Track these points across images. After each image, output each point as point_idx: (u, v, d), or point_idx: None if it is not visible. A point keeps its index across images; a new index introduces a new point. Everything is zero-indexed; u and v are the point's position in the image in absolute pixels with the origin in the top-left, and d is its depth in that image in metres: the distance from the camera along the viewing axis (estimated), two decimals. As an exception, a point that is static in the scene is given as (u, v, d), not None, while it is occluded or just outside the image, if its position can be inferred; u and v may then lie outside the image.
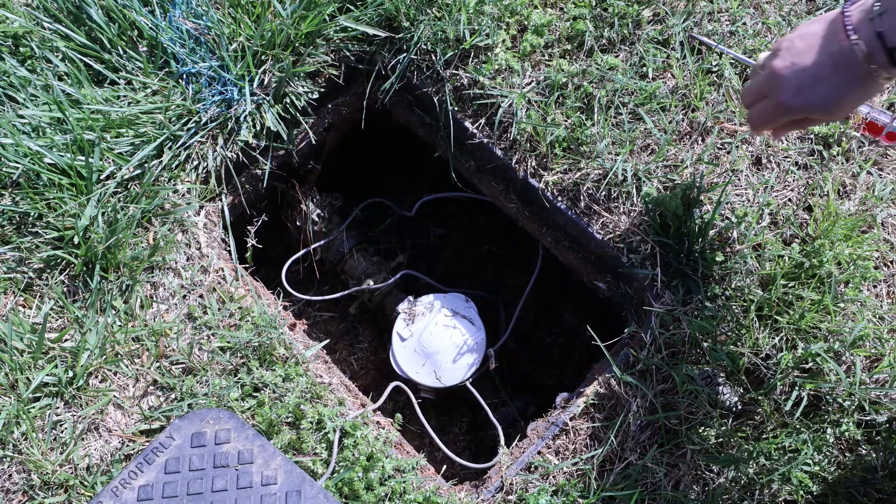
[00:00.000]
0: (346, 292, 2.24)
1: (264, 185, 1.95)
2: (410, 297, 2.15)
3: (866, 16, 1.17)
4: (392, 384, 1.85)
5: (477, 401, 2.00)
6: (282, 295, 1.91)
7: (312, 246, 2.23)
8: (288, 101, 1.89)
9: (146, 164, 1.77)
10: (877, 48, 1.16)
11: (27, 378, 1.59)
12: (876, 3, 1.16)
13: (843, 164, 1.73)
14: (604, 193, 1.74)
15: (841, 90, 1.23)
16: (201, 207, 1.83)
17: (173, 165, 1.80)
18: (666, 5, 1.87)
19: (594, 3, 1.87)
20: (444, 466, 1.71)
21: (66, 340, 1.64)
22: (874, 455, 1.56)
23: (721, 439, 1.59)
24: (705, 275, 1.65)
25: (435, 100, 1.88)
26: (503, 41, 1.85)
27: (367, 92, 1.94)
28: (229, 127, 1.83)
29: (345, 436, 1.60)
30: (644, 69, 1.82)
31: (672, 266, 1.67)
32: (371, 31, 1.88)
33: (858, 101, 1.24)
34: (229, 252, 1.85)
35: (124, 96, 1.82)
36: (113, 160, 1.75)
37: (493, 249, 2.55)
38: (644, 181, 1.72)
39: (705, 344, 1.62)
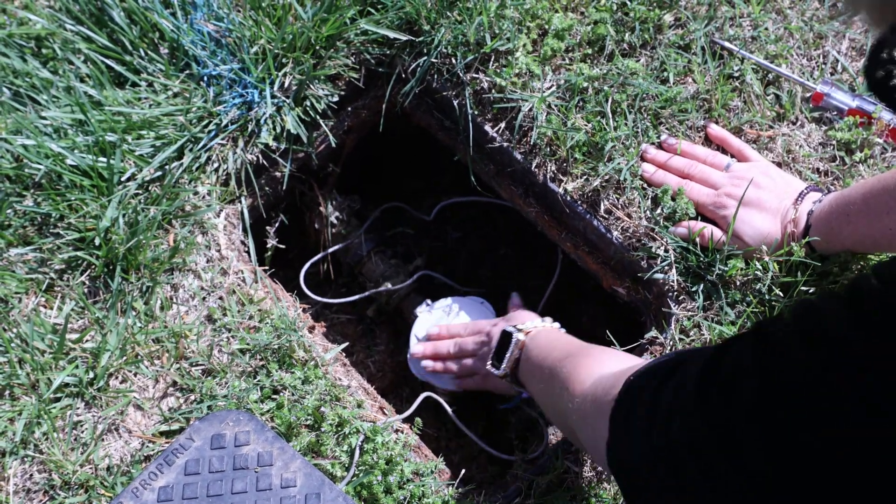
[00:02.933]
0: (365, 294, 2.24)
1: (284, 187, 1.95)
2: (428, 301, 2.15)
3: (815, 198, 1.58)
4: (423, 395, 1.86)
5: (494, 404, 2.00)
6: (298, 298, 1.92)
7: (331, 249, 2.24)
8: (308, 103, 1.89)
9: (167, 166, 1.78)
10: (802, 222, 1.57)
11: (48, 378, 1.60)
12: (822, 196, 1.56)
13: (865, 170, 1.73)
14: (623, 198, 1.74)
15: (768, 230, 1.62)
16: (221, 209, 1.83)
17: (194, 167, 1.81)
18: (687, 10, 1.87)
19: (615, 8, 1.87)
20: (463, 471, 1.71)
21: (86, 341, 1.65)
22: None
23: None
24: (726, 280, 1.64)
25: (455, 103, 1.89)
26: (524, 45, 1.85)
27: (386, 95, 1.94)
28: (250, 129, 1.84)
29: (365, 440, 1.60)
30: (665, 74, 1.82)
31: (692, 271, 1.67)
32: (391, 34, 1.88)
33: (767, 242, 1.61)
34: (249, 254, 1.85)
35: (145, 98, 1.82)
36: (134, 162, 1.76)
37: (512, 253, 2.55)
38: (656, 189, 1.72)
39: (725, 350, 1.61)
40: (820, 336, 0.76)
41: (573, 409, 1.27)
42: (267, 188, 1.96)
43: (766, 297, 1.61)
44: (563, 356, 1.44)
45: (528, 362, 1.64)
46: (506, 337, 1.73)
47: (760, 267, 1.61)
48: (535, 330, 1.71)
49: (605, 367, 1.27)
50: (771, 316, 0.97)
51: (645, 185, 1.73)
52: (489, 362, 1.77)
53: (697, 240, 1.65)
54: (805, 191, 1.59)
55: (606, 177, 1.75)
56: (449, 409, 1.87)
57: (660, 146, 1.78)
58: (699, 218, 1.69)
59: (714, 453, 0.83)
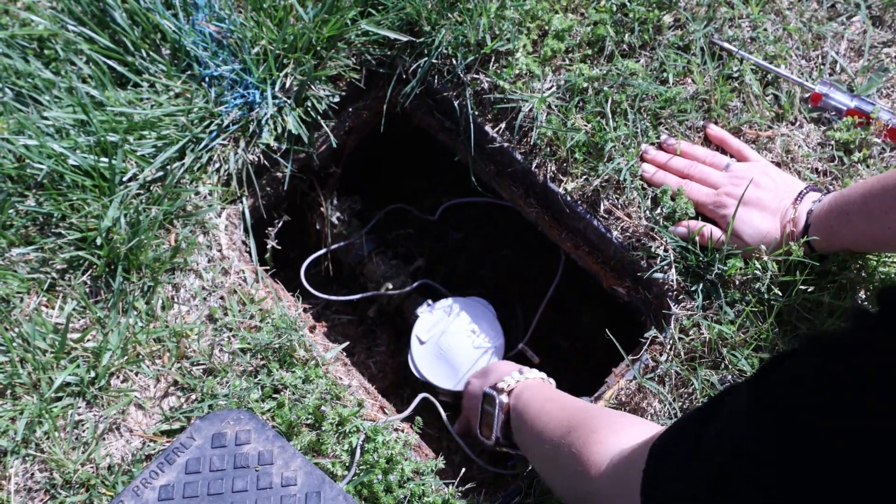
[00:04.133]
0: (366, 294, 2.25)
1: (285, 187, 1.96)
2: (429, 301, 2.16)
3: (815, 198, 1.57)
4: (420, 395, 1.86)
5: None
6: (300, 298, 1.92)
7: (332, 247, 2.24)
8: (309, 104, 1.90)
9: (168, 167, 1.79)
10: (801, 221, 1.57)
11: (49, 378, 1.61)
12: (822, 195, 1.56)
13: (863, 170, 1.73)
14: (623, 198, 1.74)
15: (767, 229, 1.61)
16: (222, 209, 1.84)
17: (195, 168, 1.81)
18: (687, 11, 1.87)
19: (615, 9, 1.88)
20: (463, 469, 1.71)
21: (88, 341, 1.66)
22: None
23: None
24: (725, 280, 1.65)
25: (455, 104, 1.89)
26: (524, 46, 1.86)
27: (387, 96, 1.94)
28: (251, 130, 1.84)
29: (366, 440, 1.61)
30: (665, 74, 1.82)
31: (692, 271, 1.67)
32: (392, 35, 1.89)
33: (766, 241, 1.61)
34: (250, 254, 1.86)
35: (147, 99, 1.83)
36: (135, 162, 1.77)
37: (513, 254, 2.56)
38: (655, 189, 1.72)
39: (725, 349, 1.61)
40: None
41: (593, 492, 1.24)
42: (268, 188, 1.96)
43: (766, 296, 1.61)
44: (564, 430, 1.38)
45: (521, 431, 1.61)
46: (488, 400, 1.72)
47: (759, 266, 1.61)
48: (519, 385, 1.70)
49: (618, 441, 1.24)
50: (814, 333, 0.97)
51: (644, 185, 1.74)
52: (476, 430, 1.78)
53: (697, 239, 1.65)
54: (804, 190, 1.59)
55: (606, 177, 1.75)
56: (444, 414, 1.87)
57: (659, 147, 1.78)
58: (699, 218, 1.70)
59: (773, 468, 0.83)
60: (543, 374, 1.77)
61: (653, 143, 1.78)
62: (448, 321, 2.14)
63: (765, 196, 1.61)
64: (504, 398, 1.67)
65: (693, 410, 1.07)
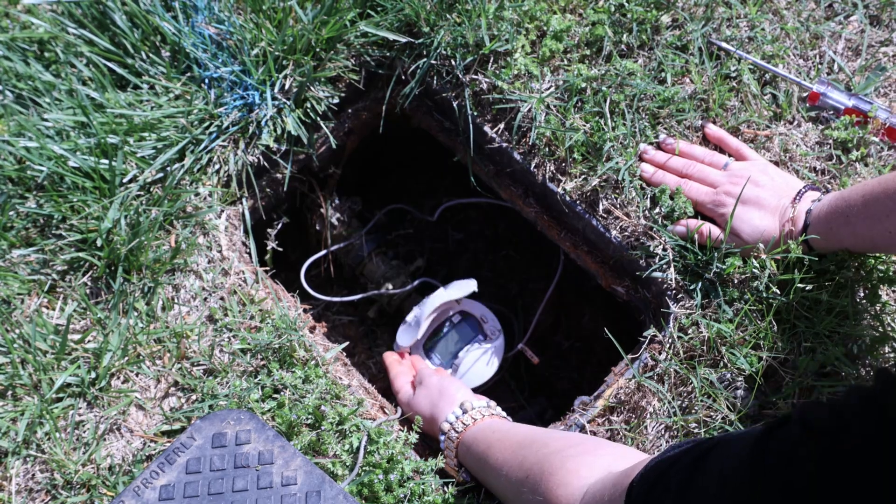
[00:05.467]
0: (366, 294, 2.25)
1: (284, 188, 1.96)
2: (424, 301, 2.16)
3: (814, 197, 1.58)
4: None
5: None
6: (299, 299, 1.93)
7: (332, 248, 2.25)
8: (308, 105, 1.90)
9: (168, 168, 1.79)
10: (800, 219, 1.57)
11: (50, 378, 1.61)
12: (821, 194, 1.57)
13: (861, 169, 1.73)
14: (622, 198, 1.75)
15: (765, 227, 1.61)
16: (222, 210, 1.84)
17: (195, 169, 1.82)
18: (684, 11, 1.88)
19: (613, 9, 1.88)
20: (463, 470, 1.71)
21: (88, 341, 1.66)
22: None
23: (739, 443, 1.59)
24: (724, 279, 1.65)
25: (454, 104, 1.90)
26: (522, 46, 1.86)
27: (386, 97, 1.95)
28: (250, 131, 1.85)
29: (369, 441, 1.61)
30: (663, 74, 1.83)
31: (690, 270, 1.68)
32: (391, 36, 1.89)
33: (764, 241, 1.61)
34: (250, 255, 1.86)
35: (147, 100, 1.84)
36: (136, 163, 1.77)
37: (512, 254, 2.56)
38: (654, 188, 1.72)
39: (724, 348, 1.62)
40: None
41: None
42: (268, 189, 1.97)
43: (764, 294, 1.61)
44: (522, 475, 1.35)
45: (476, 471, 1.58)
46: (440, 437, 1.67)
47: (758, 265, 1.62)
48: (461, 425, 1.63)
49: (581, 481, 1.21)
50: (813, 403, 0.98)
51: (643, 185, 1.74)
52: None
53: (696, 238, 1.66)
54: (803, 189, 1.59)
55: (605, 177, 1.75)
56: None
57: (658, 146, 1.78)
58: (698, 217, 1.70)
59: None
60: (485, 402, 1.70)
61: (651, 143, 1.78)
62: (448, 323, 2.15)
63: (763, 195, 1.61)
64: (449, 441, 1.64)
65: (669, 455, 1.07)
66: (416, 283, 2.28)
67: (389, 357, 2.07)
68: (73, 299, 1.70)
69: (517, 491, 1.35)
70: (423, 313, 2.06)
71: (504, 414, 1.69)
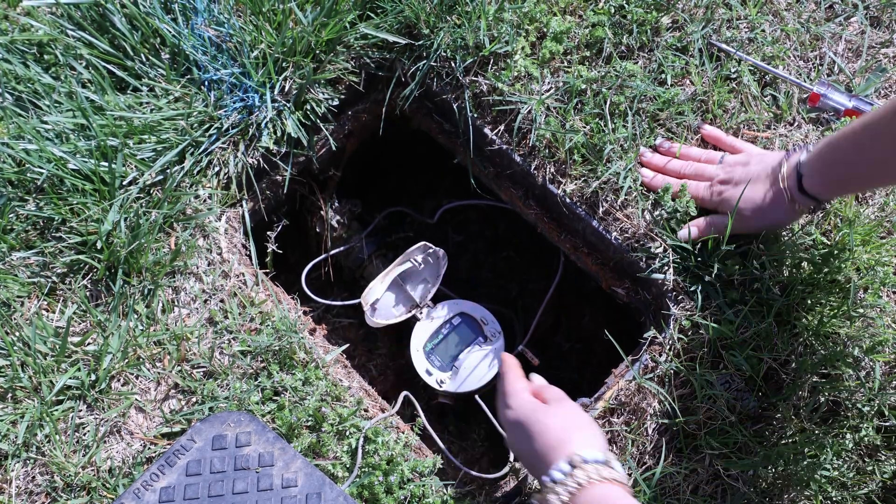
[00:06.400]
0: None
1: (284, 191, 1.96)
2: (429, 303, 2.16)
3: (802, 149, 1.55)
4: (402, 394, 1.86)
5: (495, 406, 2.00)
6: (299, 301, 1.93)
7: (332, 252, 2.24)
8: (308, 107, 1.90)
9: (168, 170, 1.79)
10: (793, 173, 1.54)
11: (50, 381, 1.61)
12: (810, 145, 1.53)
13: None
14: (621, 199, 1.75)
15: (758, 195, 1.59)
16: (222, 213, 1.84)
17: (195, 171, 1.81)
18: (685, 12, 1.87)
19: (613, 11, 1.88)
20: (463, 470, 1.71)
21: (88, 344, 1.66)
22: (894, 461, 1.55)
23: (739, 444, 1.59)
24: (724, 280, 1.65)
25: (454, 106, 1.90)
26: (522, 48, 1.86)
27: (386, 99, 1.95)
28: (250, 133, 1.85)
29: (366, 441, 1.61)
30: (663, 76, 1.83)
31: (690, 271, 1.68)
32: (391, 38, 1.89)
33: (766, 215, 1.59)
34: (250, 257, 1.86)
35: (147, 103, 1.83)
36: (135, 166, 1.77)
37: (513, 256, 2.56)
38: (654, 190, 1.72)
39: (724, 349, 1.62)
40: None
41: None
42: (268, 192, 1.97)
43: (764, 296, 1.61)
44: None
45: None
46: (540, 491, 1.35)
47: (758, 266, 1.62)
48: (573, 487, 1.28)
49: None
50: None
51: (644, 186, 1.74)
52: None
53: (694, 231, 1.65)
54: (792, 149, 1.60)
55: (605, 178, 1.75)
56: (421, 414, 1.87)
57: (655, 150, 1.78)
58: (699, 215, 1.70)
59: None
60: (601, 455, 1.33)
61: (650, 147, 1.78)
62: (447, 324, 2.14)
63: (754, 170, 1.61)
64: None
65: None
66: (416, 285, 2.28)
67: (510, 359, 1.73)
68: (72, 302, 1.70)
69: None
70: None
71: (623, 475, 1.32)
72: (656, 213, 1.72)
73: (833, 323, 1.57)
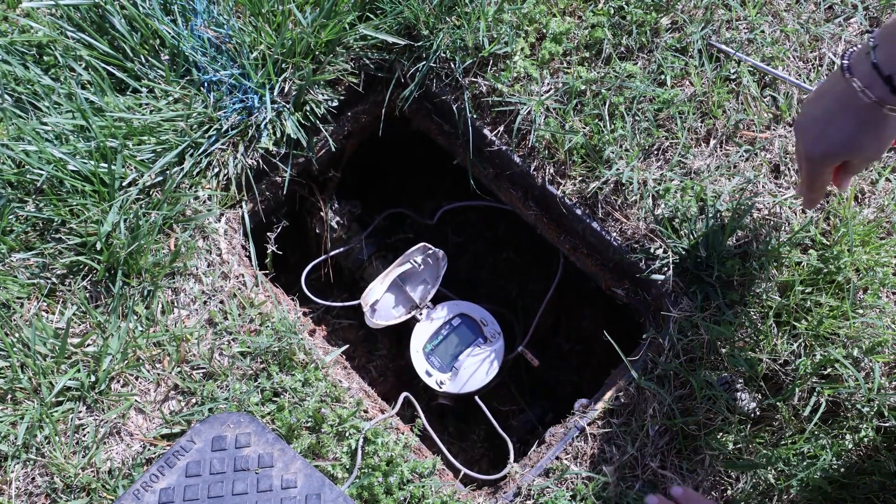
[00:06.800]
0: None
1: (284, 192, 1.96)
2: (429, 304, 2.16)
3: (862, 52, 1.22)
4: (402, 395, 1.86)
5: (495, 407, 2.01)
6: (299, 302, 1.93)
7: (332, 253, 2.24)
8: (308, 108, 1.90)
9: (168, 171, 1.79)
10: (874, 80, 1.20)
11: (50, 382, 1.61)
12: (870, 38, 1.21)
13: (862, 171, 1.73)
14: (621, 200, 1.75)
15: (851, 130, 1.26)
16: (222, 214, 1.84)
17: (194, 172, 1.82)
18: (684, 13, 1.87)
19: (612, 12, 1.88)
20: (463, 471, 1.71)
21: (88, 345, 1.66)
22: (893, 461, 1.55)
23: (739, 445, 1.59)
24: (723, 281, 1.65)
25: (454, 107, 1.90)
26: (522, 49, 1.86)
27: (386, 100, 1.95)
28: (250, 134, 1.85)
29: (366, 442, 1.61)
30: (662, 77, 1.83)
31: (690, 272, 1.68)
32: (391, 39, 1.89)
33: (877, 139, 1.27)
34: (249, 258, 1.86)
35: (146, 104, 1.83)
36: (135, 167, 1.77)
37: (512, 256, 2.56)
38: (657, 188, 1.72)
39: (723, 350, 1.62)
40: None
41: None
42: (267, 193, 1.97)
43: (764, 297, 1.61)
44: None
45: None
46: None
47: (757, 266, 1.62)
48: None
49: None
50: None
51: (643, 187, 1.74)
52: None
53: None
54: (843, 62, 1.27)
55: (605, 179, 1.75)
56: (421, 415, 1.87)
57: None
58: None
59: None
60: None
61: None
62: (447, 325, 2.15)
63: (818, 112, 1.32)
64: None
65: None
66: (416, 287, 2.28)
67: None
68: (72, 303, 1.70)
69: None
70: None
71: None
72: (656, 213, 1.71)
73: (832, 323, 1.57)
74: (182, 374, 1.66)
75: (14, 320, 1.67)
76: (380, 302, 2.13)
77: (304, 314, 1.89)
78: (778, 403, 1.59)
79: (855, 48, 1.26)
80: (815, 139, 1.30)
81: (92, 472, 1.57)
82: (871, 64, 1.20)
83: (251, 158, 1.86)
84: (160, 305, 1.72)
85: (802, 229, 1.66)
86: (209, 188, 1.83)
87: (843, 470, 1.56)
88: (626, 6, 1.87)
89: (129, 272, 1.71)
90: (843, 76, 1.24)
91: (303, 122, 1.90)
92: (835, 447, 1.56)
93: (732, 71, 1.82)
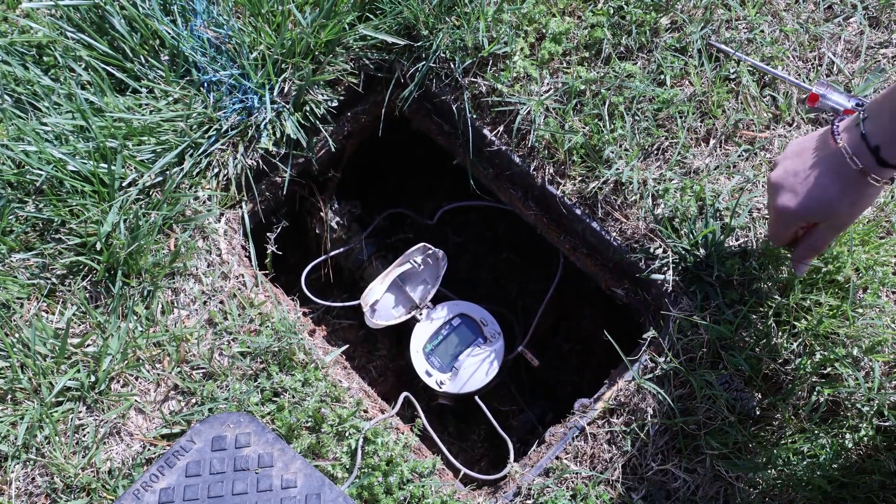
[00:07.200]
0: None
1: (284, 192, 1.96)
2: (429, 304, 2.16)
3: (853, 122, 1.29)
4: (403, 395, 1.86)
5: (495, 407, 2.01)
6: (299, 302, 1.93)
7: (332, 253, 2.24)
8: (308, 109, 1.90)
9: (167, 172, 1.79)
10: (862, 149, 1.27)
11: (50, 382, 1.61)
12: (861, 111, 1.29)
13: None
14: (620, 200, 1.75)
15: (833, 191, 1.32)
16: (222, 214, 1.84)
17: (194, 173, 1.82)
18: (683, 13, 1.87)
19: (612, 12, 1.88)
20: (463, 471, 1.71)
21: (88, 345, 1.66)
22: (893, 460, 1.55)
23: (739, 444, 1.59)
24: (723, 280, 1.65)
25: (454, 107, 1.90)
26: (521, 49, 1.86)
27: (386, 100, 1.95)
28: (249, 134, 1.85)
29: (366, 442, 1.61)
30: (662, 76, 1.83)
31: (690, 272, 1.68)
32: (390, 39, 1.89)
33: (855, 205, 1.33)
34: (249, 258, 1.86)
35: (146, 104, 1.84)
36: (135, 167, 1.77)
37: (512, 256, 2.56)
38: (656, 188, 1.72)
39: (723, 350, 1.62)
40: None
41: None
42: (267, 193, 1.97)
43: (764, 297, 1.61)
44: None
45: None
46: None
47: (757, 266, 1.61)
48: None
49: None
50: None
51: (643, 186, 1.74)
52: None
53: (804, 268, 1.53)
54: (833, 126, 1.34)
55: (604, 179, 1.75)
56: (421, 415, 1.87)
57: None
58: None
59: None
60: None
61: None
62: (447, 325, 2.15)
63: (800, 168, 1.37)
64: None
65: None
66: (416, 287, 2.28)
67: None
68: (72, 303, 1.70)
69: None
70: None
71: None
72: (656, 212, 1.71)
73: (832, 323, 1.57)
74: (182, 375, 1.66)
75: (14, 320, 1.67)
76: (380, 302, 2.13)
77: (304, 314, 1.89)
78: (778, 403, 1.59)
79: (844, 117, 1.33)
80: (794, 195, 1.36)
81: (92, 472, 1.57)
82: (860, 134, 1.26)
83: (251, 159, 1.86)
84: (160, 305, 1.72)
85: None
86: (209, 188, 1.83)
87: (843, 469, 1.56)
88: (625, 6, 1.87)
89: (129, 272, 1.71)
90: (834, 140, 1.31)
91: (302, 122, 1.90)
92: (834, 446, 1.56)
93: (732, 71, 1.82)
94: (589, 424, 1.67)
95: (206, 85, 1.87)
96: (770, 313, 1.60)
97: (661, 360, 1.65)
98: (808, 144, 1.37)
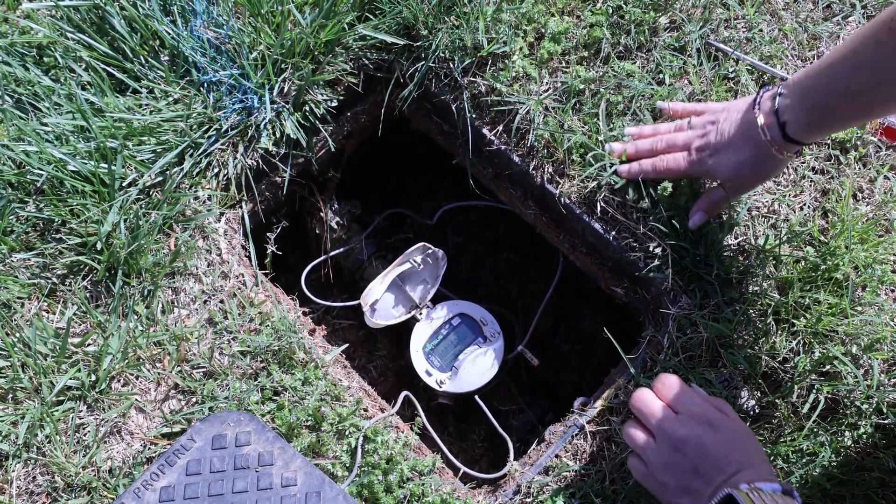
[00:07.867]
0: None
1: (284, 192, 1.96)
2: (429, 304, 2.17)
3: (771, 94, 1.46)
4: (403, 394, 1.86)
5: (495, 407, 2.01)
6: (299, 302, 1.93)
7: (332, 253, 2.25)
8: (307, 108, 1.91)
9: (168, 172, 1.79)
10: (773, 123, 1.44)
11: (51, 382, 1.61)
12: (781, 86, 1.45)
13: (859, 168, 1.74)
14: (620, 199, 1.75)
15: (744, 158, 1.50)
16: (222, 214, 1.85)
17: (194, 172, 1.82)
18: (682, 12, 1.88)
19: (611, 11, 1.89)
20: (463, 469, 1.71)
21: (88, 345, 1.66)
22: (892, 458, 1.56)
23: (739, 442, 1.59)
24: (722, 279, 1.65)
25: (453, 107, 1.90)
26: (520, 48, 1.87)
27: (385, 100, 1.95)
28: (249, 134, 1.85)
29: (366, 440, 1.61)
30: (661, 76, 1.83)
31: (689, 270, 1.68)
32: (390, 39, 1.90)
33: (758, 174, 1.53)
34: (249, 258, 1.86)
35: (146, 105, 1.84)
36: (135, 167, 1.77)
37: (512, 256, 2.56)
38: (655, 186, 1.72)
39: (723, 348, 1.62)
40: None
41: None
42: (267, 193, 1.97)
43: (763, 295, 1.62)
44: None
45: None
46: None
47: (756, 264, 1.62)
48: None
49: None
50: None
51: (641, 185, 1.74)
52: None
53: (702, 217, 1.62)
54: (758, 92, 1.50)
55: (602, 177, 1.76)
56: (421, 414, 1.87)
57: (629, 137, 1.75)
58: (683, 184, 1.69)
59: None
60: (778, 487, 1.28)
61: (616, 140, 1.75)
62: (447, 325, 2.15)
63: (726, 127, 1.54)
64: None
65: None
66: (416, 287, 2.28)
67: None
68: (73, 303, 1.70)
69: None
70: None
71: None
72: (656, 211, 1.72)
73: (831, 321, 1.58)
74: (182, 374, 1.67)
75: (15, 320, 1.67)
76: (379, 302, 2.13)
77: (304, 314, 1.89)
78: (777, 401, 1.59)
79: (772, 87, 1.47)
80: (714, 151, 1.56)
81: (92, 470, 1.58)
82: (773, 109, 1.44)
83: (251, 159, 1.87)
84: (160, 305, 1.72)
85: (802, 231, 1.67)
86: (209, 188, 1.83)
87: (842, 467, 1.57)
88: (624, 5, 1.88)
89: (130, 272, 1.72)
90: (753, 108, 1.48)
91: (302, 122, 1.90)
92: (834, 444, 1.56)
93: (731, 70, 1.82)
94: (588, 423, 1.67)
95: (206, 85, 1.87)
96: (769, 311, 1.60)
97: (661, 358, 1.65)
98: (738, 106, 1.54)
